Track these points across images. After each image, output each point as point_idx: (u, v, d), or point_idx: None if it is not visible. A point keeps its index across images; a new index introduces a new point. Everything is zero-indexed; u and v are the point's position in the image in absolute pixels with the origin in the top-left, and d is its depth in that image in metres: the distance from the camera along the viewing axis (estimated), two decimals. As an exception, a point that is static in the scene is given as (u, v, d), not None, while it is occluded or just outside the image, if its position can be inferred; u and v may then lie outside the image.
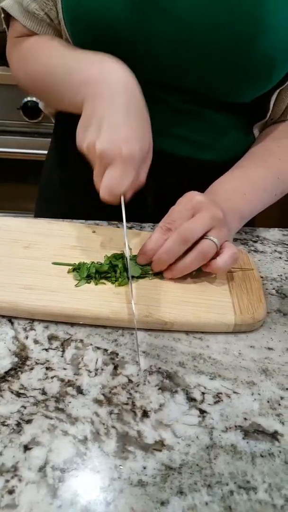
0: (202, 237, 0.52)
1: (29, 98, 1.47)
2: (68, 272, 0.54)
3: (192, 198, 0.54)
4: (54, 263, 0.55)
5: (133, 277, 0.54)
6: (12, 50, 0.70)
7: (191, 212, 0.53)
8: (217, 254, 0.53)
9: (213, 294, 0.53)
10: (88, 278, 0.53)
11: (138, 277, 0.54)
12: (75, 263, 0.55)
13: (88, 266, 0.54)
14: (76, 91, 0.55)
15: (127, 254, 0.54)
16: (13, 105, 1.49)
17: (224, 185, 0.62)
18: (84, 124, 0.52)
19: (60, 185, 0.81)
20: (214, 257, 0.53)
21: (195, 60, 0.58)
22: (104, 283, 0.53)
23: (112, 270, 0.55)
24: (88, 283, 0.53)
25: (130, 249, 0.58)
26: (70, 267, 0.54)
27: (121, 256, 0.57)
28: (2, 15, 0.69)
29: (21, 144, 1.54)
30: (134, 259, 0.56)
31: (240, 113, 0.68)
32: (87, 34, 0.59)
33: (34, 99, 1.47)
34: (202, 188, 0.59)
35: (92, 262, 0.55)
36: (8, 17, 0.69)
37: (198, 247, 0.52)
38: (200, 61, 0.58)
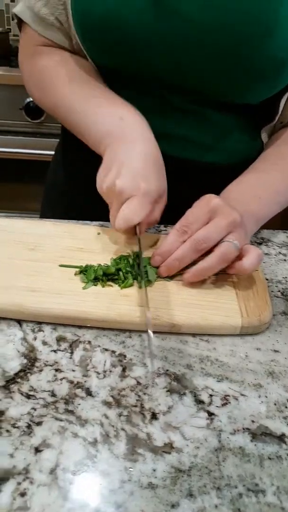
0: (220, 240, 0.52)
1: (31, 99, 1.47)
2: (75, 274, 0.54)
3: (209, 201, 0.54)
4: (61, 266, 0.55)
5: (149, 281, 0.54)
6: (25, 62, 0.71)
7: (208, 215, 0.53)
8: (239, 257, 0.53)
9: (220, 297, 0.54)
10: (95, 280, 0.53)
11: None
12: (81, 265, 0.55)
13: (95, 268, 0.54)
14: (98, 141, 0.60)
15: (143, 279, 0.53)
16: (16, 105, 1.49)
17: (238, 188, 0.62)
18: (104, 169, 0.56)
19: (66, 185, 0.81)
20: (237, 260, 0.53)
21: (196, 60, 0.58)
22: (111, 285, 0.53)
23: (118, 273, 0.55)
24: (95, 285, 0.53)
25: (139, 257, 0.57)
26: (77, 269, 0.55)
27: (126, 258, 0.57)
28: (15, 21, 0.69)
29: (23, 144, 1.54)
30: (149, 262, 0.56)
31: (245, 115, 0.68)
32: (94, 36, 0.60)
33: (36, 99, 1.47)
34: (205, 191, 0.59)
35: (99, 265, 0.55)
36: (21, 23, 0.69)
37: (218, 250, 0.52)
38: (201, 60, 0.58)
